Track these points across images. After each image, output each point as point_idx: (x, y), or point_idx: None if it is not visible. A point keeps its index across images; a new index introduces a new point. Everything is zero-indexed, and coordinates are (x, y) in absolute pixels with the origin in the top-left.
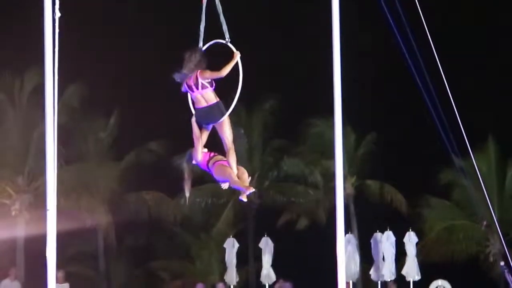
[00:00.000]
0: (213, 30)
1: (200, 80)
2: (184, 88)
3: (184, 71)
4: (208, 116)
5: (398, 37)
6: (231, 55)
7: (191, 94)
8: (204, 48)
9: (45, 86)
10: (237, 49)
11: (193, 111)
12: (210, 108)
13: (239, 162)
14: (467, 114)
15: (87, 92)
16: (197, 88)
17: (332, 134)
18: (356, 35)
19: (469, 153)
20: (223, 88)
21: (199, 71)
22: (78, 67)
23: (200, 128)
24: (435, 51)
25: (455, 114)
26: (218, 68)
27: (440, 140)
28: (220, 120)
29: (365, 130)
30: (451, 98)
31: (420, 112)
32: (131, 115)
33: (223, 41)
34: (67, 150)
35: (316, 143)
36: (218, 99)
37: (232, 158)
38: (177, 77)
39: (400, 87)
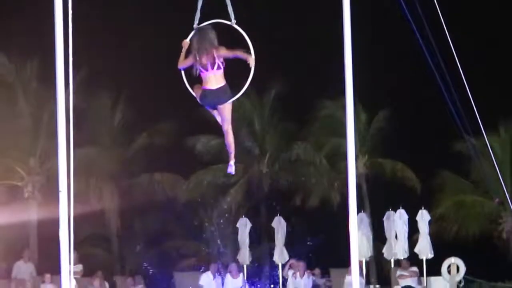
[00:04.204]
0: (215, 10)
1: (217, 60)
2: (185, 66)
3: (196, 54)
4: (216, 98)
5: (409, 16)
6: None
7: (202, 74)
8: (199, 26)
9: (56, 68)
10: (247, 33)
11: (191, 90)
12: (220, 90)
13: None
14: (480, 92)
15: (98, 74)
16: (212, 68)
17: (343, 114)
18: (368, 14)
19: (482, 130)
20: (230, 70)
21: (215, 49)
22: (89, 49)
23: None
24: (447, 29)
25: (467, 92)
26: None
27: (452, 118)
28: (227, 103)
29: (376, 109)
30: (463, 76)
31: (431, 90)
32: (142, 96)
33: (228, 22)
34: (79, 132)
35: (327, 123)
36: (225, 82)
37: (231, 138)
38: (189, 65)
39: (411, 66)
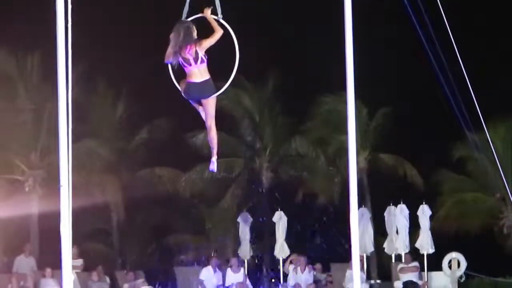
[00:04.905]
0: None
1: (200, 54)
2: (171, 61)
3: (177, 49)
4: (201, 91)
5: (411, 11)
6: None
7: (186, 68)
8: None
9: (57, 62)
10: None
11: (177, 84)
12: (204, 83)
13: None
14: (480, 88)
15: (99, 69)
16: (196, 63)
17: (344, 108)
18: (369, 9)
19: (483, 126)
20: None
21: (196, 43)
22: (89, 44)
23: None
24: (448, 25)
25: (469, 87)
26: None
27: (454, 113)
28: (211, 97)
29: (378, 104)
30: (464, 72)
31: (433, 86)
32: (142, 91)
33: (214, 17)
34: (80, 126)
35: (328, 118)
36: (209, 76)
37: (213, 133)
38: (173, 60)
39: (413, 61)
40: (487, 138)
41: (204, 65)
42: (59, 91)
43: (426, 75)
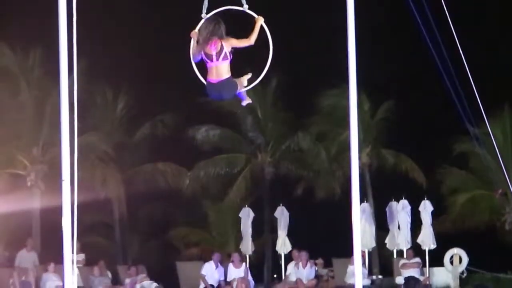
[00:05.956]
0: None
1: (225, 50)
2: (198, 57)
3: (202, 43)
4: (217, 92)
5: (413, 5)
6: (249, 23)
7: (207, 64)
8: (208, 16)
9: (59, 57)
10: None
11: (202, 78)
12: (220, 84)
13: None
14: (482, 83)
15: (101, 64)
16: (217, 59)
17: (347, 103)
18: (371, 3)
19: (485, 121)
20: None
21: (223, 39)
22: (92, 39)
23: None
24: (450, 19)
25: (470, 82)
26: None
27: (455, 108)
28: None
29: (380, 99)
30: (466, 66)
31: (435, 81)
32: (145, 86)
33: (239, 8)
34: (82, 121)
35: (330, 113)
36: (230, 74)
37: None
38: (198, 55)
39: (415, 55)
40: (489, 132)
41: (226, 62)
42: (61, 85)
43: (429, 70)
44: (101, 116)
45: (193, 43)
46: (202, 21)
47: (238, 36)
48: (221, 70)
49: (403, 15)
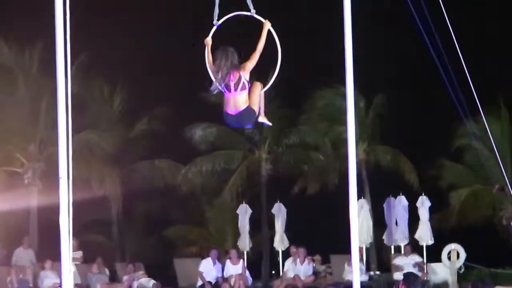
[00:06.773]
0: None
1: (243, 79)
2: (217, 88)
3: (220, 76)
4: (236, 123)
5: (409, 0)
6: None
7: (225, 94)
8: (219, 22)
9: (56, 54)
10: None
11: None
12: (238, 115)
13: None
14: (478, 77)
15: (97, 60)
16: (236, 89)
17: (343, 100)
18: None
19: (481, 116)
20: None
21: (239, 68)
22: (88, 36)
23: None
24: (447, 13)
25: (467, 76)
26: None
27: (452, 103)
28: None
29: (375, 94)
30: (462, 60)
31: (431, 75)
32: (141, 82)
33: (247, 13)
34: (79, 118)
35: (327, 110)
36: (248, 104)
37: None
38: (214, 88)
39: (411, 50)
40: (485, 127)
41: (245, 92)
42: (57, 83)
43: (424, 64)
44: (98, 114)
45: (208, 51)
46: (213, 29)
47: (244, 43)
48: (239, 101)
49: (398, 10)
